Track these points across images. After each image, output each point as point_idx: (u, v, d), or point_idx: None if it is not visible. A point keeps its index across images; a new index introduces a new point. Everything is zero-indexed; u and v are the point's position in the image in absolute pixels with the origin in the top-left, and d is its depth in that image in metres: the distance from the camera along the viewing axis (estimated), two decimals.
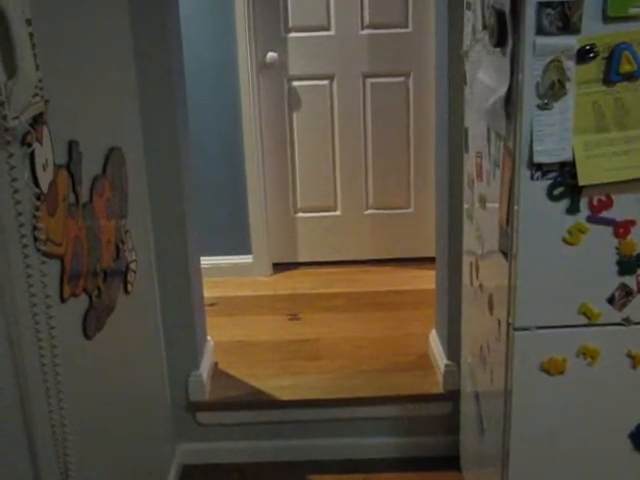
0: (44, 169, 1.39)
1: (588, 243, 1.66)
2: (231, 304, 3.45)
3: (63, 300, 1.52)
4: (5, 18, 1.08)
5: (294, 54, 3.63)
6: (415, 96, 3.69)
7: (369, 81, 3.69)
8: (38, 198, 1.33)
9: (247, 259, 3.80)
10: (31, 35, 1.19)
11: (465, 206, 2.26)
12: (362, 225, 3.87)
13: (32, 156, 1.33)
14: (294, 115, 3.73)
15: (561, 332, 1.73)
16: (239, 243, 3.77)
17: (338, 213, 3.86)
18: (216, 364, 2.84)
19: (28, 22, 1.18)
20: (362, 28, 3.61)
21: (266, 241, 3.80)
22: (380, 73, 3.68)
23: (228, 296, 3.52)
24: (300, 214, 3.86)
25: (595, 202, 1.64)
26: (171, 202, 2.42)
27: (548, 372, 1.77)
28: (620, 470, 1.85)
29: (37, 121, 1.34)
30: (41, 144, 1.37)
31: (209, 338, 2.85)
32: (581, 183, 1.60)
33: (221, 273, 3.69)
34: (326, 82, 3.69)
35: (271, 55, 3.59)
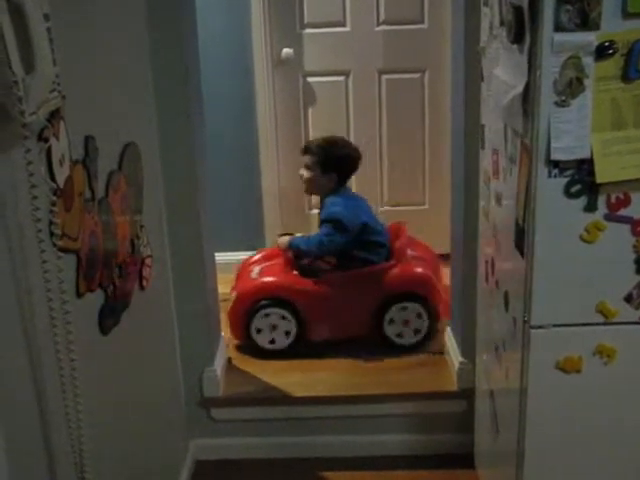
0: (60, 164, 1.39)
1: (605, 241, 1.65)
2: None
3: (79, 295, 1.53)
4: (23, 13, 1.08)
5: (309, 50, 3.63)
6: (430, 93, 3.67)
7: (384, 77, 3.68)
8: (54, 193, 1.33)
9: None
10: (49, 30, 1.19)
11: (481, 203, 2.25)
12: None
13: (49, 151, 1.33)
14: (309, 111, 3.72)
15: (577, 330, 1.72)
16: (253, 239, 3.77)
17: None
18: (230, 360, 2.85)
19: (46, 17, 1.18)
20: (378, 24, 3.60)
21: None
22: (395, 69, 3.67)
23: None
24: (314, 210, 3.86)
25: (613, 200, 1.62)
26: (186, 198, 2.42)
27: (564, 370, 1.75)
28: (637, 469, 1.83)
29: (54, 116, 1.34)
30: (58, 139, 1.37)
31: (223, 334, 2.85)
32: (599, 181, 1.59)
33: (235, 269, 3.69)
34: (341, 78, 3.69)
35: (286, 51, 3.58)
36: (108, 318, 1.73)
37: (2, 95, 1.09)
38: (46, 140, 1.31)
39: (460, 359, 2.61)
